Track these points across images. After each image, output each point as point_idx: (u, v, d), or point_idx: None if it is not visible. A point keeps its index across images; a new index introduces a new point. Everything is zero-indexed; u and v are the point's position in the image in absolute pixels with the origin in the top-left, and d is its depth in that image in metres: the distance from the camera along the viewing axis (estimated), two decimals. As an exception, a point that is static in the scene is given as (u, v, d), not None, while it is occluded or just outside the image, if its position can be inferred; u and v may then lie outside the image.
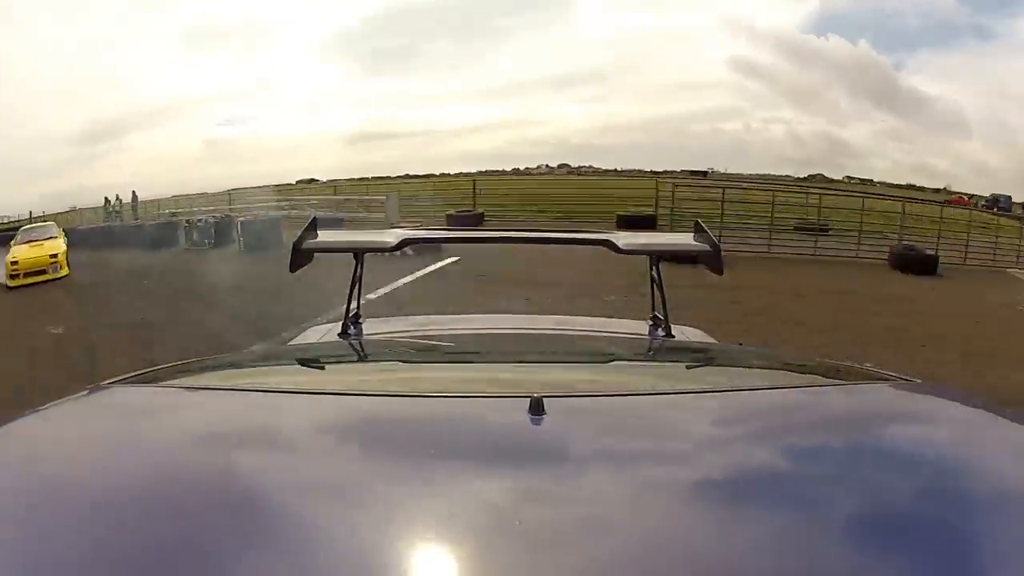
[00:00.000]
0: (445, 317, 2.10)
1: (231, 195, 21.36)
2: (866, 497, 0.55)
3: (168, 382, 0.95)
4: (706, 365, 1.21)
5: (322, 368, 1.16)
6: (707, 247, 1.54)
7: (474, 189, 18.74)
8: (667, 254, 1.62)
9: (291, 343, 1.71)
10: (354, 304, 1.56)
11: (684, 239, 1.61)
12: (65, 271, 11.86)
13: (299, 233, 1.56)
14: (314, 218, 1.64)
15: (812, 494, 0.56)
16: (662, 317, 1.55)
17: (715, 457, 0.62)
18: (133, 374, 0.94)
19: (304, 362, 1.21)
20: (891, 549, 0.47)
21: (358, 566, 0.45)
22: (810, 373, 1.15)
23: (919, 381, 0.88)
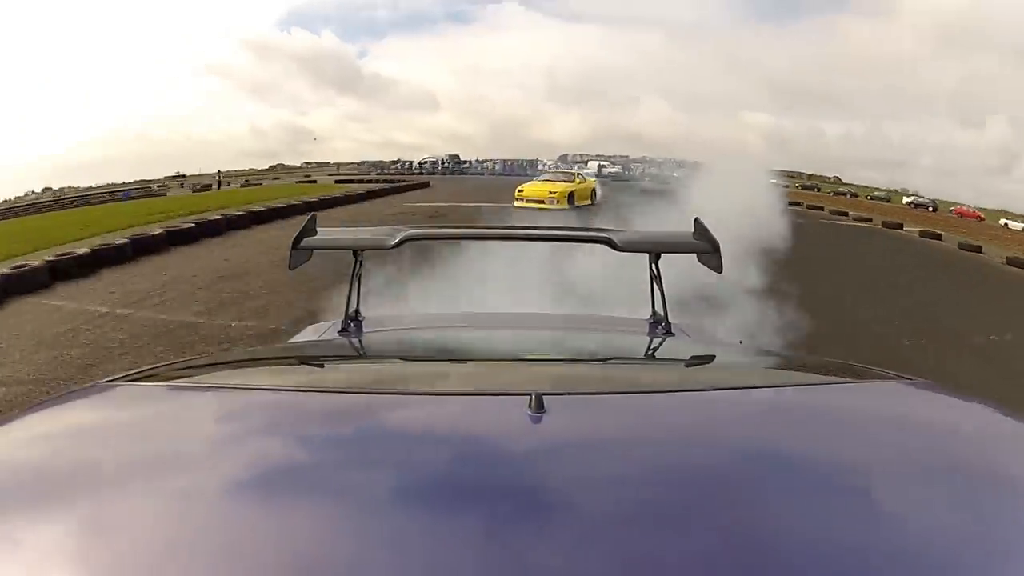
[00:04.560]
0: (445, 315, 2.11)
1: None
2: (868, 496, 0.55)
3: (168, 380, 0.95)
4: (706, 363, 1.21)
5: (322, 366, 1.16)
6: (707, 245, 1.54)
7: None
8: (667, 252, 1.62)
9: (291, 341, 1.71)
10: (354, 302, 1.56)
11: (684, 237, 1.61)
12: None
13: (298, 230, 1.56)
14: (313, 215, 1.63)
15: (813, 493, 0.56)
16: (662, 315, 1.56)
17: (715, 455, 0.62)
18: (134, 372, 0.94)
19: (304, 360, 1.21)
20: (893, 547, 0.47)
21: (357, 564, 0.45)
22: (811, 371, 1.15)
23: (922, 380, 0.88)
